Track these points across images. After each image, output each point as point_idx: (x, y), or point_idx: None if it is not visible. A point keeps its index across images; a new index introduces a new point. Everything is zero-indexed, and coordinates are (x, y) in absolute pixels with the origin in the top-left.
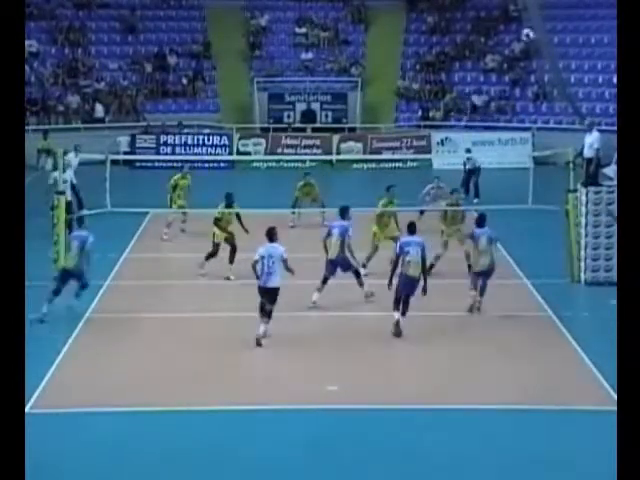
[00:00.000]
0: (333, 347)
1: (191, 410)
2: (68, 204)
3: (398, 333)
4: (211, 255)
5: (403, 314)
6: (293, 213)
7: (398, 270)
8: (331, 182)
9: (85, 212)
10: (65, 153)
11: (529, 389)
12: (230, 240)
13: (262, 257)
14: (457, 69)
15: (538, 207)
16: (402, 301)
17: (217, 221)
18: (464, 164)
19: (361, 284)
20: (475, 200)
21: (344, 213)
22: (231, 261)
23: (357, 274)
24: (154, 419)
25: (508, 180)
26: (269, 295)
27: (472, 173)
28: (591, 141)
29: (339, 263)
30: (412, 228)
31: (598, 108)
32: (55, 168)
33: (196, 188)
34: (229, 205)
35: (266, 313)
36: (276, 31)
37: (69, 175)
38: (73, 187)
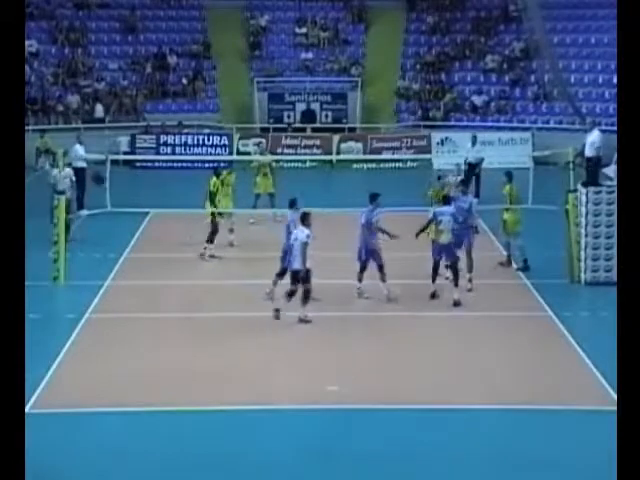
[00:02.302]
0: (333, 347)
1: (191, 410)
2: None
3: (435, 296)
4: (213, 234)
5: (456, 284)
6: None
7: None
8: (331, 182)
9: (85, 212)
10: (65, 153)
11: (529, 389)
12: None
13: (293, 240)
14: (457, 69)
15: (538, 207)
16: (437, 270)
17: (211, 196)
18: (465, 159)
19: (384, 280)
20: (476, 200)
21: (373, 199)
22: (212, 241)
23: (380, 268)
24: (154, 419)
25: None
26: (291, 276)
27: (473, 167)
28: (592, 139)
29: (367, 251)
30: (447, 199)
31: (598, 108)
32: (53, 166)
33: (196, 188)
34: (217, 176)
35: (291, 295)
36: (276, 31)
37: (70, 172)
38: (79, 182)
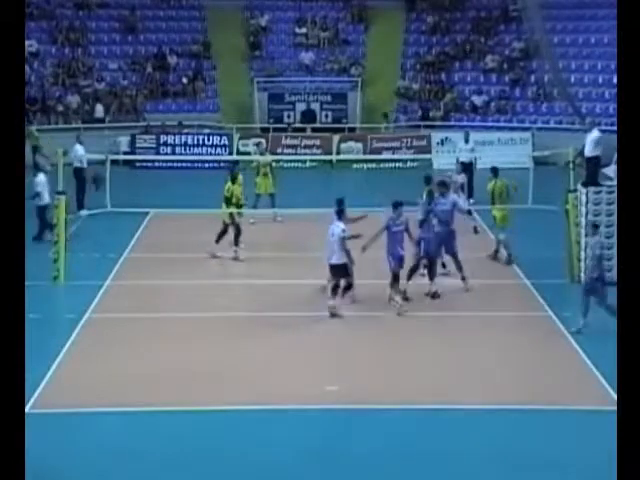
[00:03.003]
0: (333, 347)
1: (191, 410)
2: (43, 208)
3: (435, 295)
4: (221, 235)
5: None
6: (254, 207)
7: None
8: (331, 182)
9: (85, 212)
10: (65, 153)
11: (529, 389)
12: (234, 221)
13: (330, 236)
14: (457, 69)
15: (538, 207)
16: (432, 267)
17: (227, 200)
18: (457, 159)
19: (392, 286)
20: (471, 200)
21: (396, 207)
22: (236, 243)
23: (395, 277)
24: (154, 419)
25: (508, 180)
26: (333, 271)
27: (466, 168)
28: (592, 139)
29: (395, 258)
30: (430, 199)
31: (598, 108)
32: (37, 166)
33: (196, 188)
34: (234, 180)
35: (335, 290)
36: (276, 31)
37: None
38: (79, 182)
